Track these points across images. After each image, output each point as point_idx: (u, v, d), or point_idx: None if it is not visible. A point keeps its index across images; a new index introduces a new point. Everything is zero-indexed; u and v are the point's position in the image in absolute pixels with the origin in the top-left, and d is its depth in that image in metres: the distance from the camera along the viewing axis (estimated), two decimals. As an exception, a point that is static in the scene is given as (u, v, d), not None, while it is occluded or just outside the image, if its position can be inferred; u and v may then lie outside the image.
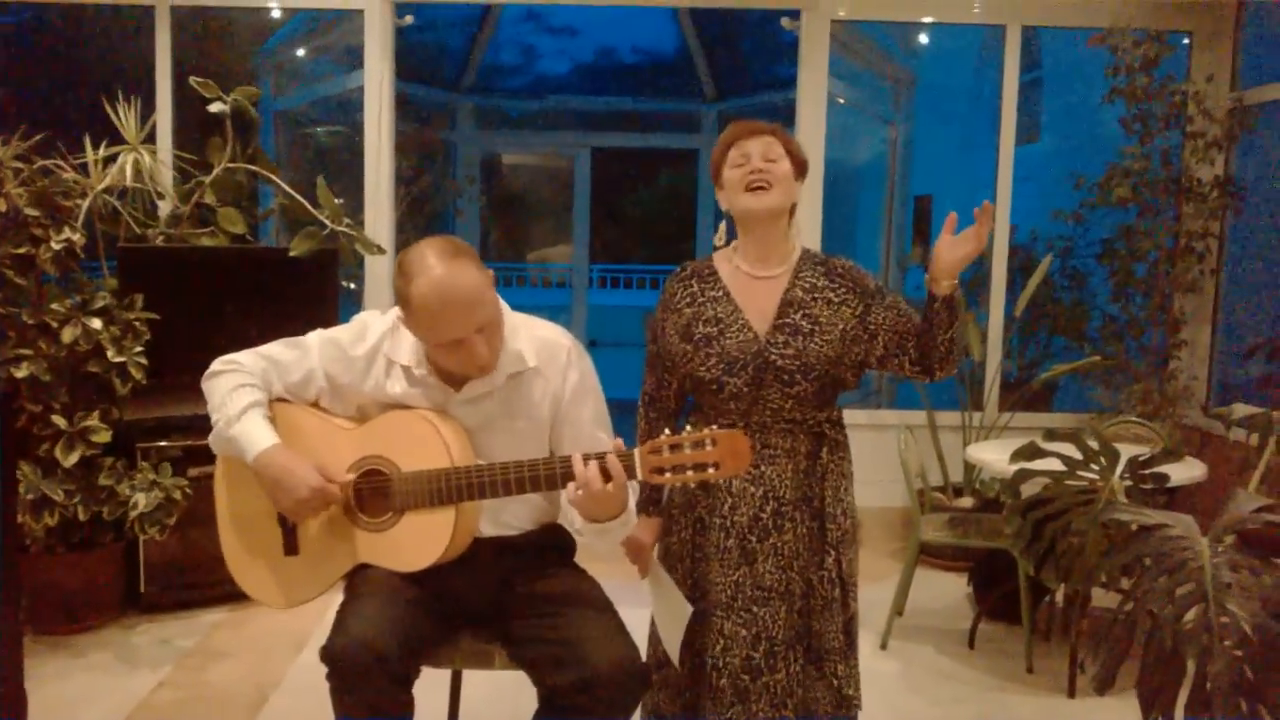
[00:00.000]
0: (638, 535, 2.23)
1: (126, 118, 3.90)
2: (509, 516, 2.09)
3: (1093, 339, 4.87)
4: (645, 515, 2.25)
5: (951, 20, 4.81)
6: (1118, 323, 4.70)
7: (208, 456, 2.14)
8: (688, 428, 2.03)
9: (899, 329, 2.11)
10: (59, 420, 3.33)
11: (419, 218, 7.03)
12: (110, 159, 3.82)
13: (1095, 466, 2.70)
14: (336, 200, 3.96)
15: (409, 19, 4.63)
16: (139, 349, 3.43)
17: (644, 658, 2.05)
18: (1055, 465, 2.74)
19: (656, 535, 2.26)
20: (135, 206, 3.91)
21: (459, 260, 1.89)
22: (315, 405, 2.09)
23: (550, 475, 1.91)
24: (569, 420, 2.07)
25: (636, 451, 1.85)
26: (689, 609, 2.13)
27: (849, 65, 5.24)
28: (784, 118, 4.75)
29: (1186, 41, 4.68)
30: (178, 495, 3.43)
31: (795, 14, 4.64)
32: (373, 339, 2.06)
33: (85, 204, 3.64)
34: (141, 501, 3.35)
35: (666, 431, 1.86)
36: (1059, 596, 3.67)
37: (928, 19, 4.83)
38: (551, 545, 2.16)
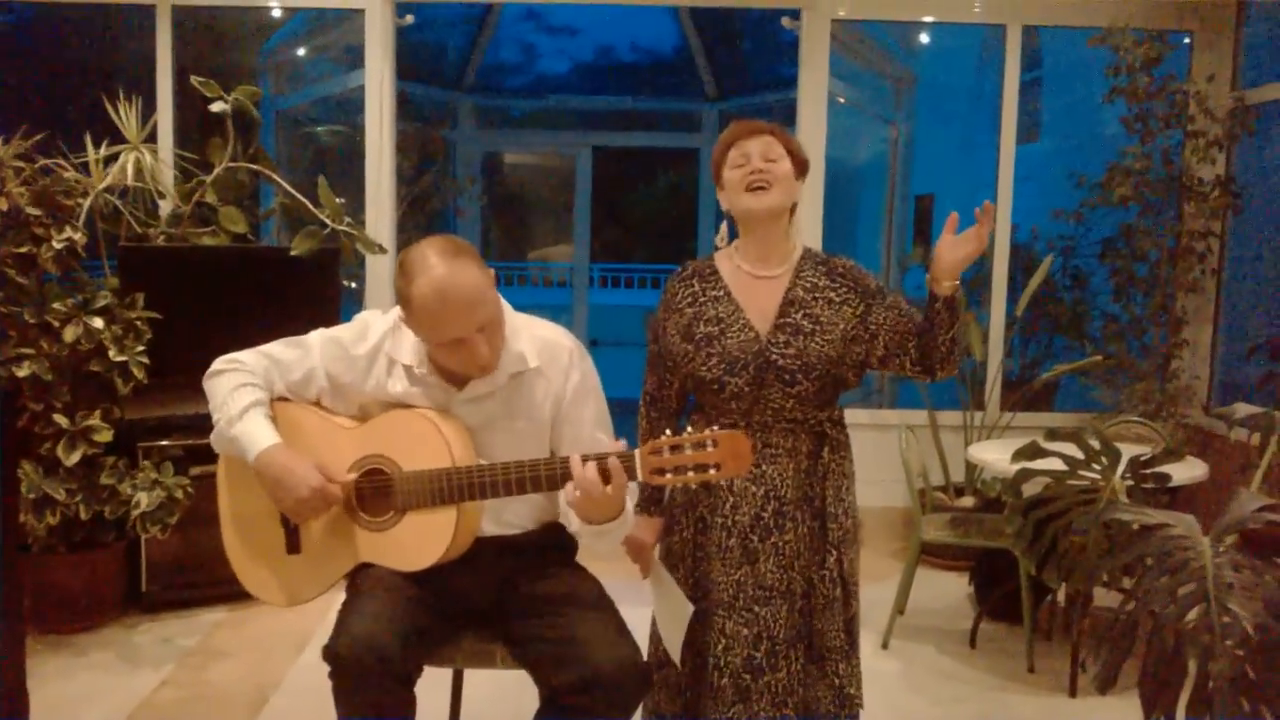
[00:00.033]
0: (639, 535, 2.23)
1: (128, 117, 3.90)
2: (511, 515, 2.09)
3: (1094, 338, 4.87)
4: (647, 515, 2.25)
5: (952, 20, 4.81)
6: (1119, 322, 4.70)
7: (209, 455, 2.14)
8: (688, 428, 2.03)
9: (900, 329, 2.11)
10: (61, 419, 3.33)
11: (420, 217, 7.03)
12: (111, 158, 3.82)
13: (1097, 466, 2.70)
14: (337, 199, 3.96)
15: (409, 18, 4.63)
16: (140, 348, 3.43)
17: (645, 657, 2.05)
18: (1057, 465, 2.74)
19: (658, 535, 2.26)
20: (136, 206, 3.91)
21: (460, 260, 1.89)
22: (317, 404, 2.10)
23: (551, 476, 1.91)
24: (569, 421, 2.07)
25: (637, 452, 1.84)
26: (690, 608, 2.13)
27: (850, 65, 5.24)
28: (785, 117, 4.75)
29: (1187, 41, 4.68)
30: (179, 494, 3.43)
31: (796, 13, 4.64)
32: (374, 338, 2.06)
33: (86, 203, 3.64)
34: (143, 500, 3.36)
35: (668, 432, 1.86)
36: (1060, 596, 3.67)
37: (928, 18, 4.83)
38: (553, 544, 2.16)
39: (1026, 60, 4.81)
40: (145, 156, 3.85)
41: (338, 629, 1.89)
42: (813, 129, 4.61)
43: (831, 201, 4.71)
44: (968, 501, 4.41)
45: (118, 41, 5.41)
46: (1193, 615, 1.90)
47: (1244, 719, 1.80)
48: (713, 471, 1.80)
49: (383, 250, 4.25)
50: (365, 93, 4.56)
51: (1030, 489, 2.84)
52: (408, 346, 2.03)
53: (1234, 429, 4.06)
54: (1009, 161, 4.77)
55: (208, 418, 2.05)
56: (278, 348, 2.10)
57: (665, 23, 8.25)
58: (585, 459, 1.86)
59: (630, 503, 2.01)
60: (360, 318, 2.12)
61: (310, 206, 3.94)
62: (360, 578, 2.02)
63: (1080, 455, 2.70)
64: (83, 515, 3.36)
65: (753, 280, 2.16)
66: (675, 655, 2.15)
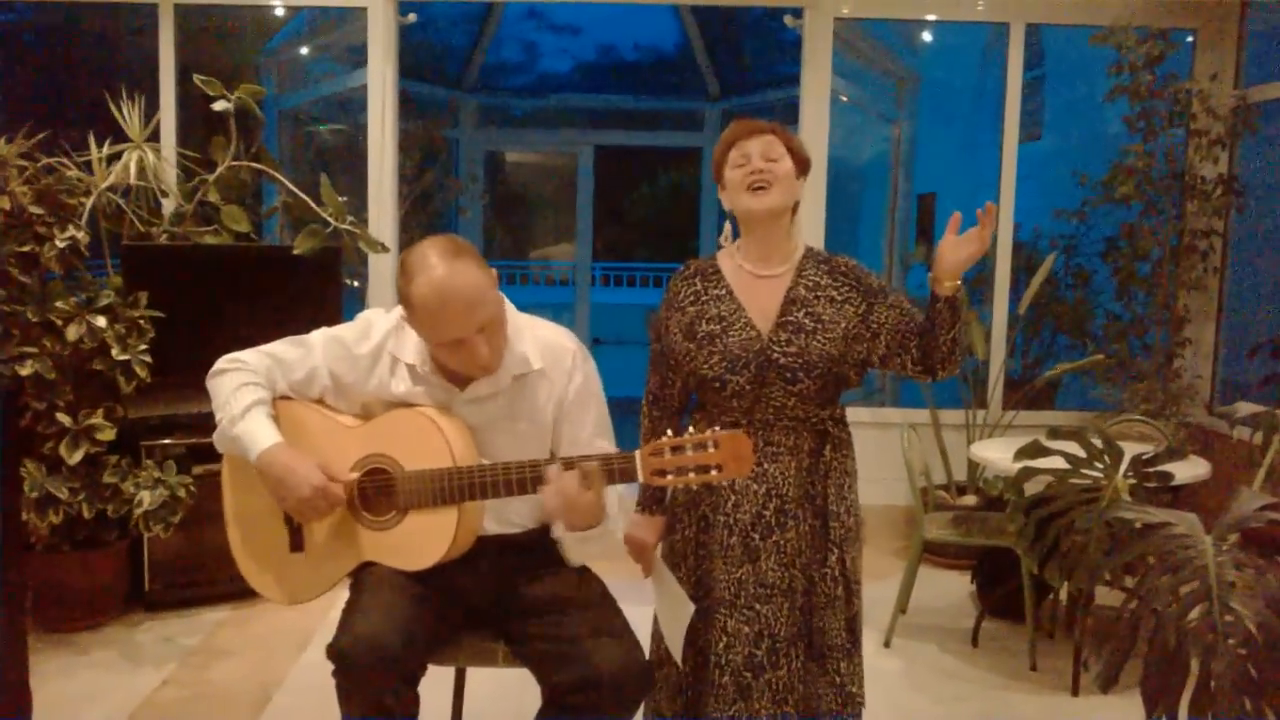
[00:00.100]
0: (641, 534, 2.24)
1: (130, 116, 3.90)
2: (513, 515, 2.10)
3: (1096, 337, 4.86)
4: (649, 514, 2.25)
5: (955, 18, 4.81)
6: (1121, 321, 4.69)
7: (212, 454, 2.14)
8: (690, 428, 2.03)
9: (901, 328, 2.11)
10: (64, 418, 3.34)
11: (422, 215, 7.03)
12: (114, 157, 3.83)
13: (1099, 465, 2.70)
14: (340, 198, 3.96)
15: (412, 17, 4.63)
16: (143, 347, 3.43)
17: (647, 656, 2.06)
18: (1059, 463, 2.73)
19: (660, 534, 2.26)
20: (139, 204, 3.91)
21: (460, 260, 1.89)
22: (319, 403, 2.10)
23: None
24: (570, 422, 2.08)
25: (638, 453, 1.85)
26: (691, 607, 2.13)
27: (852, 63, 5.23)
28: (787, 116, 4.75)
29: (1190, 39, 4.67)
30: (182, 493, 3.43)
31: (798, 12, 4.63)
32: (377, 337, 2.06)
33: (89, 202, 3.64)
34: (146, 499, 3.36)
35: (669, 433, 1.86)
36: (1062, 595, 3.67)
37: (931, 17, 4.82)
38: (556, 543, 2.16)
39: (1029, 58, 4.81)
40: (148, 155, 3.86)
41: (342, 628, 1.89)
42: (815, 128, 4.61)
43: (834, 200, 4.71)
44: (970, 500, 4.41)
45: (120, 40, 5.42)
46: (1195, 614, 1.90)
47: (1246, 718, 1.80)
48: (714, 473, 1.80)
49: (385, 249, 4.25)
50: (368, 91, 4.56)
51: (1032, 487, 2.84)
52: (411, 345, 2.03)
53: (1236, 428, 4.06)
54: (1011, 160, 4.77)
55: (210, 416, 2.05)
56: (280, 347, 2.10)
57: (667, 21, 8.26)
58: (567, 465, 1.86)
59: (616, 508, 2.02)
60: (363, 316, 2.12)
61: (313, 205, 3.95)
62: (363, 576, 2.02)
63: (1082, 454, 2.70)
64: (85, 514, 3.37)
65: (754, 279, 2.16)
66: (677, 654, 2.16)
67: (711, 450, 1.80)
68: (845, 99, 5.05)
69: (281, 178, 4.04)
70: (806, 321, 2.11)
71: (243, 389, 2.02)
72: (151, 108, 4.04)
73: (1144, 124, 4.40)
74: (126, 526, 3.50)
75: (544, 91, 9.42)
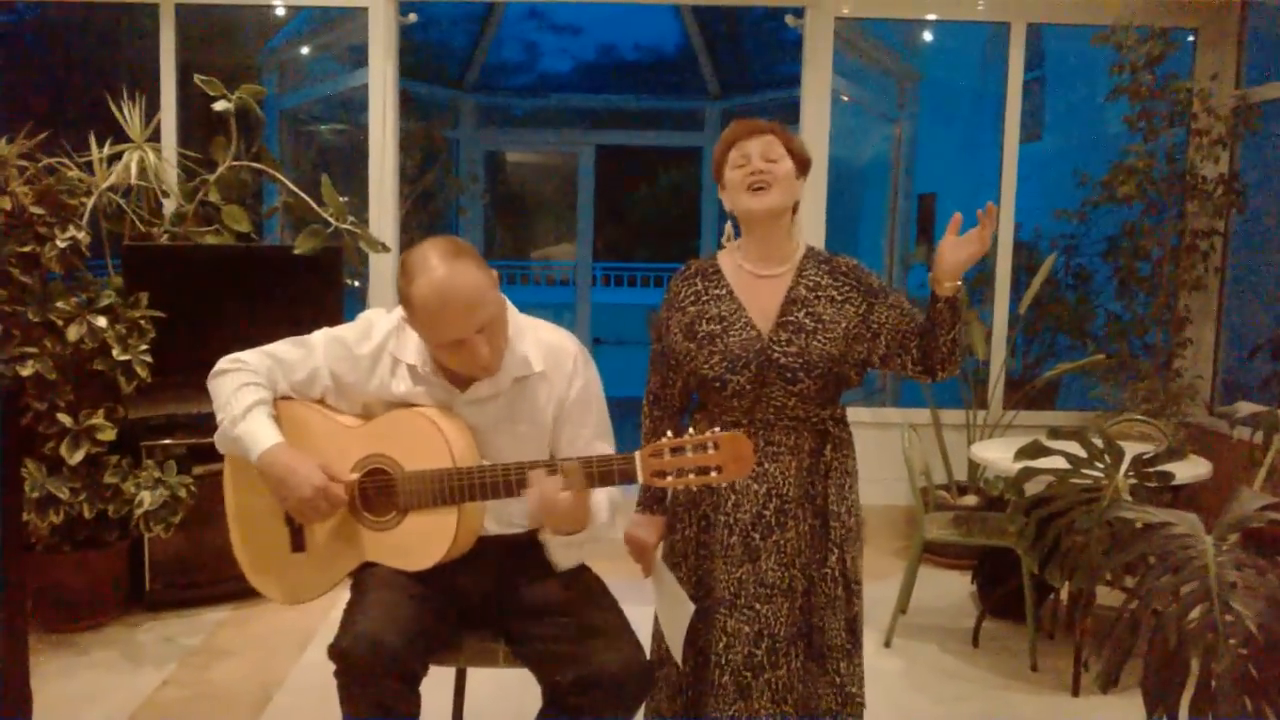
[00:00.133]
0: (642, 534, 2.24)
1: (131, 116, 3.90)
2: (513, 515, 2.10)
3: (1097, 337, 4.86)
4: (649, 513, 2.25)
5: (956, 18, 4.81)
6: (1122, 321, 4.69)
7: (213, 454, 2.15)
8: (691, 428, 2.03)
9: (902, 328, 2.12)
10: (64, 418, 3.34)
11: (423, 215, 7.04)
12: (115, 157, 3.83)
13: (1100, 465, 2.70)
14: (341, 198, 3.96)
15: (412, 17, 4.63)
16: (144, 347, 3.43)
17: (648, 656, 2.05)
18: (1059, 463, 2.73)
19: (660, 534, 2.26)
20: (140, 205, 3.91)
21: (460, 260, 1.89)
22: (320, 403, 2.10)
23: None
24: (570, 423, 2.08)
25: (638, 454, 1.85)
26: (691, 607, 2.13)
27: (853, 63, 5.23)
28: (788, 115, 4.74)
29: (1191, 39, 4.67)
30: (183, 493, 3.44)
31: (799, 11, 4.63)
32: (378, 337, 2.06)
33: (90, 202, 3.65)
34: (147, 499, 3.36)
35: (669, 433, 1.86)
36: (1063, 595, 3.67)
37: (932, 16, 4.82)
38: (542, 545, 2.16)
39: (1029, 59, 4.81)
40: (149, 155, 3.86)
41: (343, 627, 1.89)
42: (816, 127, 4.61)
43: (834, 200, 4.71)
44: (970, 500, 4.41)
45: (121, 40, 5.43)
46: (1195, 614, 1.90)
47: (1247, 718, 1.80)
48: (714, 474, 1.80)
49: (386, 249, 4.25)
50: (368, 91, 4.56)
51: (1033, 487, 2.84)
52: (412, 346, 2.03)
53: (1237, 428, 4.05)
54: (1012, 160, 4.77)
55: (211, 417, 2.05)
56: (281, 347, 2.10)
57: (668, 21, 8.25)
58: (550, 470, 1.86)
59: (606, 513, 2.02)
60: (364, 317, 2.12)
61: (313, 205, 3.95)
62: (364, 577, 2.02)
63: (1083, 454, 2.70)
64: (86, 514, 3.37)
65: (755, 279, 2.16)
66: (677, 654, 2.16)
67: (711, 451, 1.80)
68: (846, 99, 5.05)
69: (282, 178, 4.05)
70: (807, 321, 2.11)
71: (244, 389, 2.02)
72: (152, 108, 4.04)
73: (1144, 124, 4.40)
74: (127, 527, 3.50)
75: (544, 91, 9.41)
